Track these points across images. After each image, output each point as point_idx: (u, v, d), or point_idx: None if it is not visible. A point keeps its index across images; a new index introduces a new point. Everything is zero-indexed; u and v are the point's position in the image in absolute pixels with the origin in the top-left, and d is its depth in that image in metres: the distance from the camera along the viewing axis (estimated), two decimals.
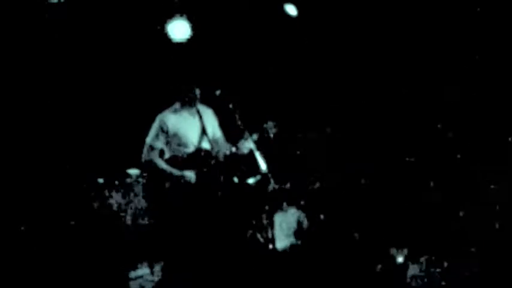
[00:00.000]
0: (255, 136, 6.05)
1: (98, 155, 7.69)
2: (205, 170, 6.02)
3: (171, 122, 6.07)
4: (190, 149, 6.07)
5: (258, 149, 6.05)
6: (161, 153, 6.07)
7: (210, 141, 6.10)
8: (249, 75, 8.28)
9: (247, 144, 6.04)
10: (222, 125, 6.31)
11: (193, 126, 6.13)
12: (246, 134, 6.03)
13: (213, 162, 6.04)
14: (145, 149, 6.07)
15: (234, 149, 6.09)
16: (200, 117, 6.12)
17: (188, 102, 6.12)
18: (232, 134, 6.18)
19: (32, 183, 7.33)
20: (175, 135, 6.04)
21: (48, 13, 7.46)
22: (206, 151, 6.08)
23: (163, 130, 6.04)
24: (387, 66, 8.00)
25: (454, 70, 7.69)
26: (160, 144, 6.04)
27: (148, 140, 6.07)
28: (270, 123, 6.09)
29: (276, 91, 8.26)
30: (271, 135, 6.06)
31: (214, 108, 6.31)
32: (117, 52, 7.84)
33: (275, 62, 8.32)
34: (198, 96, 6.12)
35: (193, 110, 6.14)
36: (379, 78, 8.03)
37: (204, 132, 6.10)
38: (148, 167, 6.08)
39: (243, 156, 6.11)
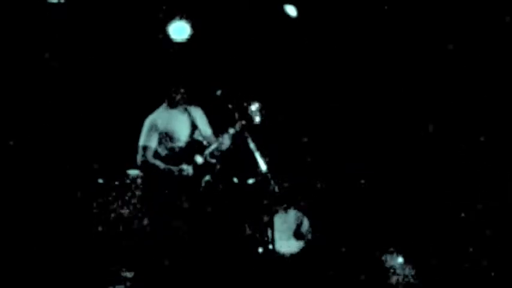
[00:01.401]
0: (243, 121, 6.07)
1: (97, 156, 7.69)
2: (200, 161, 6.06)
3: (161, 120, 6.12)
4: (183, 142, 6.11)
5: (258, 149, 6.05)
6: (156, 153, 6.09)
7: (201, 135, 6.14)
8: (249, 75, 8.28)
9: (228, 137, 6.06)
10: (213, 124, 6.35)
11: (183, 122, 6.18)
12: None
13: (207, 152, 6.07)
14: (139, 151, 6.09)
15: (224, 141, 6.09)
16: (189, 114, 6.17)
17: (174, 103, 6.17)
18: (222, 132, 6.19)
19: (32, 184, 7.33)
20: (166, 132, 6.10)
21: (48, 13, 7.46)
22: (199, 142, 6.12)
23: (154, 129, 6.08)
24: (387, 66, 7.99)
25: (453, 70, 7.69)
26: (153, 144, 6.08)
27: (142, 141, 6.11)
28: (256, 106, 6.09)
29: (275, 91, 8.26)
30: (257, 119, 6.06)
31: (211, 107, 6.34)
32: (117, 52, 7.84)
33: (275, 62, 8.32)
34: (184, 96, 6.17)
35: (181, 109, 6.19)
36: (379, 78, 8.03)
37: (194, 126, 6.15)
38: (145, 168, 6.10)
39: (231, 149, 6.14)
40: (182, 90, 6.19)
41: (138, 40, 7.88)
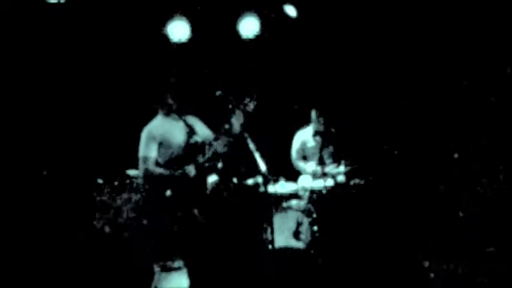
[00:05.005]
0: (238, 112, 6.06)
1: (97, 156, 7.69)
2: (202, 159, 6.06)
3: (158, 129, 6.12)
4: (182, 147, 6.11)
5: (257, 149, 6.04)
6: (156, 162, 6.09)
7: (200, 136, 6.14)
8: (248, 76, 8.29)
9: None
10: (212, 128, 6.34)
11: (179, 128, 6.16)
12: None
13: (208, 151, 6.06)
14: (140, 162, 6.09)
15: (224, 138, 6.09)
16: (184, 121, 6.17)
17: (168, 112, 6.17)
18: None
19: (32, 184, 7.34)
20: (164, 138, 6.08)
21: (47, 13, 7.47)
22: (197, 142, 6.12)
23: (152, 139, 6.07)
24: (387, 67, 8.01)
25: (453, 71, 7.71)
26: (153, 153, 6.07)
27: (141, 152, 6.10)
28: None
29: (275, 91, 8.27)
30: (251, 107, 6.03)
31: (213, 109, 6.32)
32: (117, 52, 7.85)
33: (275, 63, 8.34)
34: (175, 104, 6.16)
35: (176, 117, 6.19)
36: (379, 79, 8.04)
37: (191, 130, 6.14)
38: (149, 178, 6.09)
39: (242, 154, 6.12)
40: (177, 98, 6.16)
41: (138, 41, 7.90)
